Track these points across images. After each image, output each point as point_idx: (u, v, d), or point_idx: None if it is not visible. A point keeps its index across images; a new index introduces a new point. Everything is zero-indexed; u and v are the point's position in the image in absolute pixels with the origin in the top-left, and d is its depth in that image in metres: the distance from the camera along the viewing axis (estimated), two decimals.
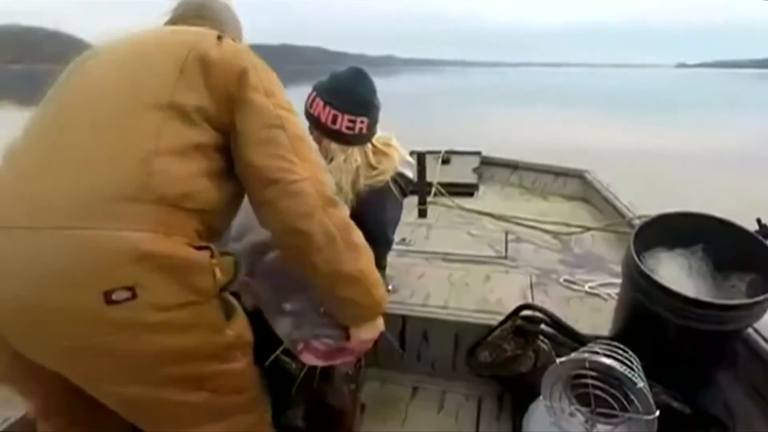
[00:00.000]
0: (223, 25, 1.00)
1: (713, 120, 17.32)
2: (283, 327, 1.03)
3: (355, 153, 1.43)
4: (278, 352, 1.02)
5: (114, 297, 0.68)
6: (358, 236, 0.90)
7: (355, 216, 1.39)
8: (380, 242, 1.45)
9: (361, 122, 1.40)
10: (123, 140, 0.76)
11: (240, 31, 1.07)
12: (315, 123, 1.41)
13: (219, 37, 0.87)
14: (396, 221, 1.53)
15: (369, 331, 0.98)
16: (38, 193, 0.72)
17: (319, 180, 0.84)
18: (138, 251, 0.69)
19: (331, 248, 0.84)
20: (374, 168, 1.45)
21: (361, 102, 1.42)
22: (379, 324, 1.00)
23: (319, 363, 1.04)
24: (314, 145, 0.89)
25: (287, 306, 1.01)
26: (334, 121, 1.39)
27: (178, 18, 1.01)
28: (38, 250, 0.69)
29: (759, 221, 1.43)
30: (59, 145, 0.77)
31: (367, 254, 0.92)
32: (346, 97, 1.40)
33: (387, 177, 1.44)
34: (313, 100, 1.40)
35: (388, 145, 1.49)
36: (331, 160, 1.42)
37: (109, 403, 0.78)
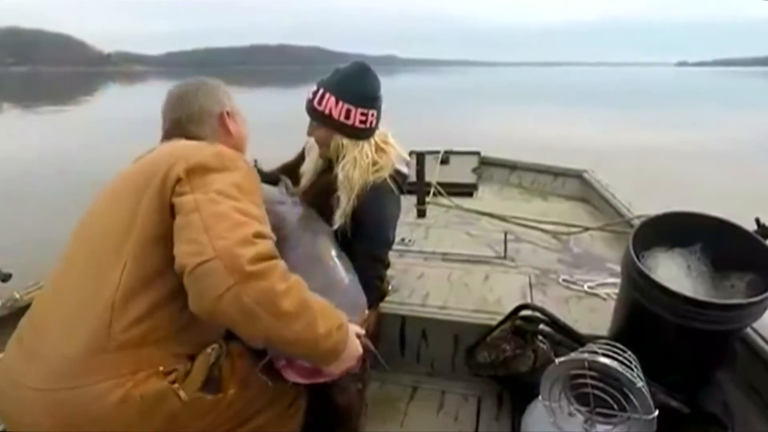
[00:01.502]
0: (203, 112, 1.10)
1: (713, 118, 17.30)
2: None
3: (365, 147, 1.42)
4: (261, 365, 1.00)
5: None
6: (289, 300, 0.81)
7: (353, 214, 1.39)
8: (379, 241, 1.44)
9: (372, 115, 1.40)
10: (93, 292, 0.85)
11: (220, 98, 1.14)
12: (325, 119, 1.38)
13: (175, 155, 0.93)
14: (395, 218, 1.52)
15: (339, 366, 0.95)
16: (45, 353, 0.83)
17: (233, 255, 0.77)
18: (102, 401, 0.80)
19: (254, 324, 0.79)
20: (375, 164, 1.44)
21: (372, 95, 1.41)
22: (350, 356, 0.96)
23: (302, 381, 1.03)
24: (254, 215, 0.86)
25: None
26: (347, 116, 1.37)
27: (171, 129, 1.11)
28: (44, 408, 0.81)
29: (758, 221, 1.43)
30: (59, 292, 0.90)
31: (304, 312, 0.84)
32: (358, 91, 1.38)
33: (386, 174, 1.43)
34: (323, 96, 1.37)
35: (386, 141, 1.48)
36: (342, 156, 1.41)
37: None
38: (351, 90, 1.37)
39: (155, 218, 0.87)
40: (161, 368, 0.85)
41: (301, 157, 1.63)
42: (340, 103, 1.36)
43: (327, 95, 1.36)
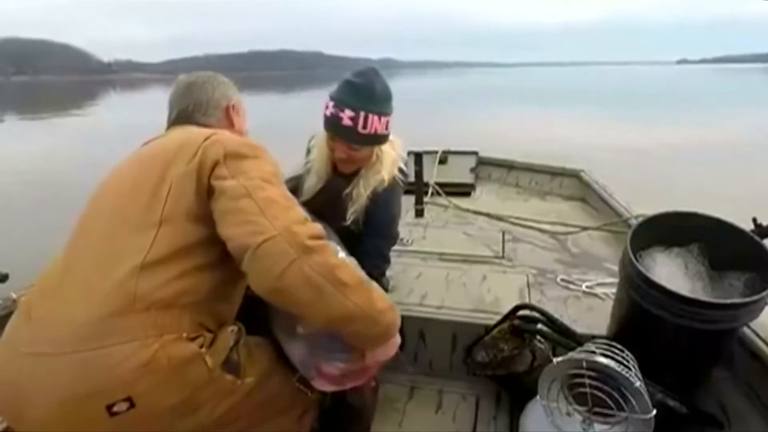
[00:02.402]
0: (210, 103, 1.13)
1: (715, 116, 17.31)
2: (296, 351, 1.00)
3: (389, 147, 1.47)
4: (297, 377, 1.00)
5: (115, 409, 0.76)
6: (347, 273, 0.86)
7: (368, 214, 1.41)
8: (389, 236, 1.49)
9: (391, 119, 1.45)
10: (116, 256, 0.84)
11: (227, 91, 1.17)
12: (373, 139, 1.40)
13: (206, 138, 0.94)
14: (400, 215, 1.57)
15: (385, 352, 0.98)
16: (55, 319, 0.81)
17: (292, 232, 0.82)
18: (128, 363, 0.77)
19: (320, 297, 0.82)
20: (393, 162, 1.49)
21: (391, 97, 1.45)
22: (395, 342, 1.00)
23: (331, 388, 1.01)
24: (293, 201, 0.91)
25: (300, 329, 0.97)
26: (386, 127, 1.41)
27: (178, 118, 1.12)
28: (57, 373, 0.77)
29: (755, 220, 1.43)
30: (71, 263, 0.87)
31: (361, 286, 0.89)
32: (386, 99, 1.41)
33: (396, 170, 1.48)
34: (366, 118, 1.35)
35: (391, 141, 1.51)
36: (379, 161, 1.46)
37: None
38: (381, 100, 1.39)
39: (190, 196, 0.88)
40: (185, 334, 0.83)
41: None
42: (383, 118, 1.38)
43: (370, 116, 1.36)
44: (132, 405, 0.77)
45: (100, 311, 0.79)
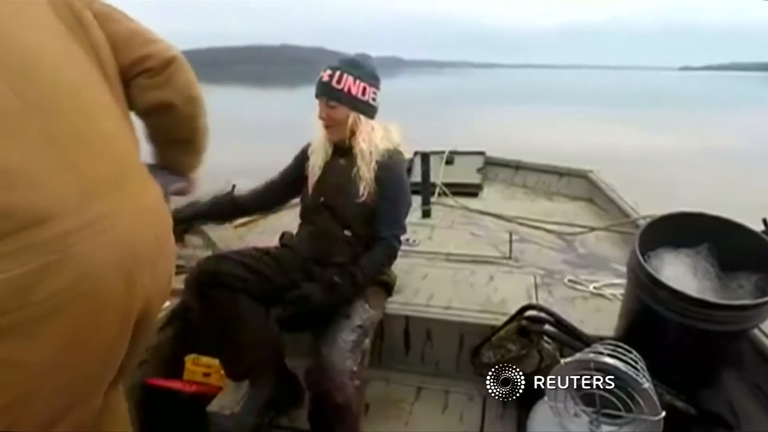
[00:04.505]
0: None
1: (718, 121, 17.21)
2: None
3: (375, 125, 1.52)
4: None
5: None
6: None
7: (378, 184, 1.44)
8: (403, 201, 1.53)
9: (378, 94, 1.53)
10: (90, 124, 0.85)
11: None
12: (345, 97, 1.46)
13: None
14: (409, 184, 1.60)
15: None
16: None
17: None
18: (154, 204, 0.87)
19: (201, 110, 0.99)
20: (384, 137, 1.53)
21: (378, 76, 1.53)
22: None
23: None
24: None
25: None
26: (364, 93, 1.48)
27: None
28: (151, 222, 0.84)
29: (765, 221, 1.42)
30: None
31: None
32: (370, 72, 1.50)
33: (396, 143, 1.53)
34: (341, 76, 1.45)
35: (387, 128, 1.56)
36: (359, 132, 1.49)
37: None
38: (365, 70, 1.49)
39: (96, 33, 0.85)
40: None
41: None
42: (358, 81, 1.46)
43: (345, 75, 1.45)
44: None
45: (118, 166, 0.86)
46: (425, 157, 2.92)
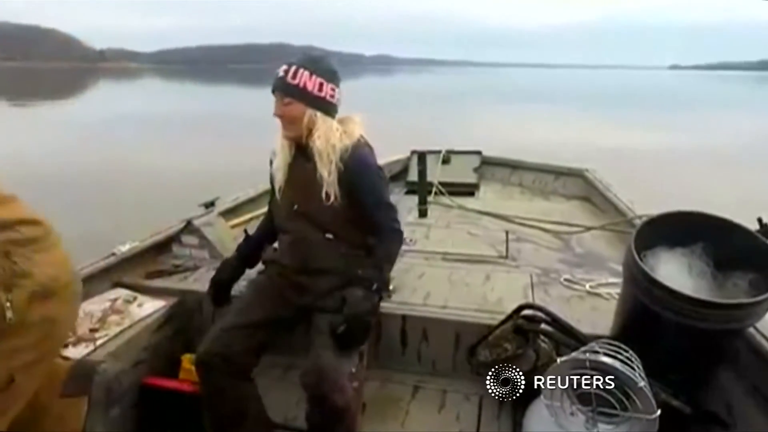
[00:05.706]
0: None
1: (708, 120, 17.28)
2: None
3: (334, 123, 1.46)
4: None
5: None
6: None
7: (343, 182, 1.41)
8: (381, 201, 1.48)
9: (338, 92, 1.48)
10: None
11: None
12: (300, 92, 1.42)
13: None
14: (382, 179, 1.55)
15: None
16: None
17: None
18: None
19: None
20: (344, 133, 1.47)
21: (337, 73, 1.49)
22: None
23: None
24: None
25: None
26: (320, 89, 1.44)
27: None
28: None
29: (760, 220, 1.43)
30: None
31: None
32: (328, 68, 1.46)
33: (357, 135, 1.47)
34: (296, 71, 1.41)
35: (352, 120, 1.52)
36: (316, 130, 1.43)
37: None
38: (322, 66, 1.45)
39: None
40: None
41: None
42: (314, 77, 1.43)
43: (301, 70, 1.42)
44: None
45: None
46: (422, 157, 2.92)
